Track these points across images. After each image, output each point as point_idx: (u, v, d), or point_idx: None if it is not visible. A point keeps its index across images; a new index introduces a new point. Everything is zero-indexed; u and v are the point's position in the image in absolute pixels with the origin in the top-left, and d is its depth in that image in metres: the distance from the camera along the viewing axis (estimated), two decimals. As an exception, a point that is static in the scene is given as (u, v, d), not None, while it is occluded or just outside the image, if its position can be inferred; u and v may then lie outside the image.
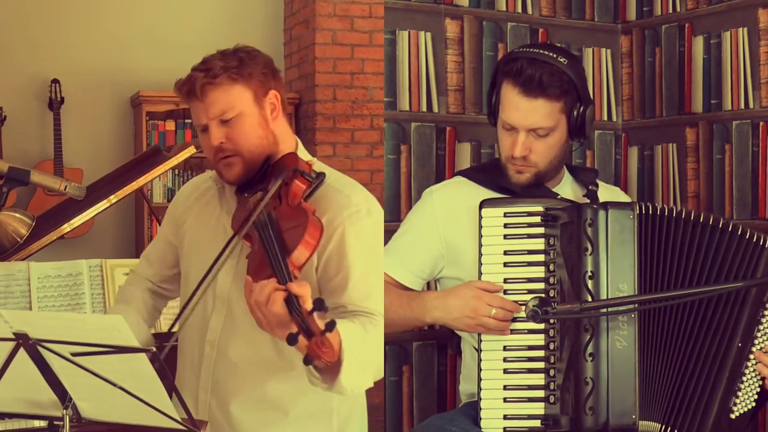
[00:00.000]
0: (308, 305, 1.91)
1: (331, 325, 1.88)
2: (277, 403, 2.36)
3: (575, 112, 2.73)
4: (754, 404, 2.61)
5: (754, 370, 2.58)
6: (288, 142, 2.35)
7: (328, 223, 2.19)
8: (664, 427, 2.61)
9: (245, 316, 2.19)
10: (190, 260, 2.44)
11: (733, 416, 2.60)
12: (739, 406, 2.60)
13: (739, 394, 2.60)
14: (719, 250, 2.61)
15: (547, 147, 2.75)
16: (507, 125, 2.75)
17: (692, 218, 2.63)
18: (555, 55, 2.72)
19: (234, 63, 2.25)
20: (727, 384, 2.59)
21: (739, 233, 2.62)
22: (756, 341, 2.59)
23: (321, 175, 2.24)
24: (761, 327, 2.60)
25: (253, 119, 2.25)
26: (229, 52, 2.31)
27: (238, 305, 2.28)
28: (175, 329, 2.31)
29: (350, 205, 2.24)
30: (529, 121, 2.71)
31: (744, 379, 2.60)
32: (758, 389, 2.60)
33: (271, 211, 2.11)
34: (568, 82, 2.71)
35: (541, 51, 2.75)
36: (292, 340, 1.88)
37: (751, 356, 2.59)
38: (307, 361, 1.91)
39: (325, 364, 1.98)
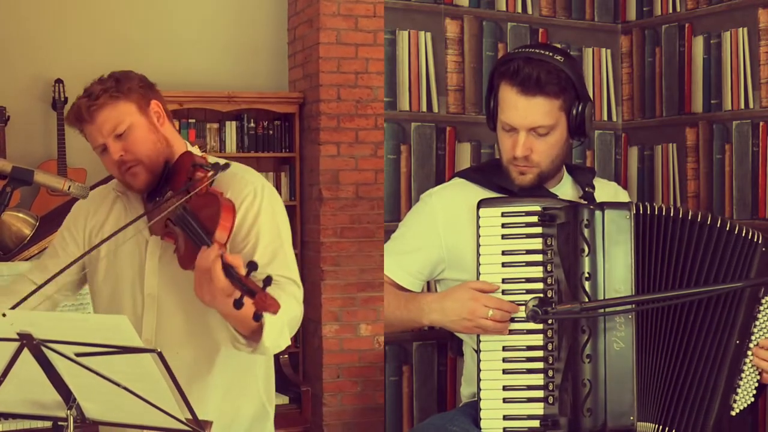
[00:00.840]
0: (243, 271, 2.06)
1: (268, 280, 2.02)
2: (214, 389, 2.45)
3: (574, 110, 2.73)
4: (753, 399, 2.62)
5: (752, 366, 2.59)
6: (178, 144, 2.50)
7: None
8: (660, 427, 2.61)
9: (178, 312, 2.39)
10: (114, 273, 2.52)
11: (733, 413, 2.62)
12: (739, 403, 2.61)
13: (739, 390, 2.61)
14: (716, 248, 2.61)
15: (548, 146, 2.74)
16: (507, 126, 2.74)
17: (689, 217, 2.63)
18: (551, 54, 2.71)
19: (111, 83, 2.41)
20: (726, 382, 2.60)
21: (735, 231, 2.62)
22: (753, 337, 2.60)
23: (216, 165, 2.38)
24: (757, 323, 2.61)
25: (143, 128, 2.40)
26: (105, 77, 2.46)
27: (169, 301, 2.42)
28: None
29: (247, 184, 2.41)
30: (528, 120, 2.70)
31: (743, 375, 2.61)
32: (756, 384, 2.62)
33: (185, 205, 2.27)
34: (566, 80, 2.70)
35: (537, 50, 2.74)
36: (237, 304, 2.01)
37: (749, 352, 2.59)
38: (256, 317, 2.04)
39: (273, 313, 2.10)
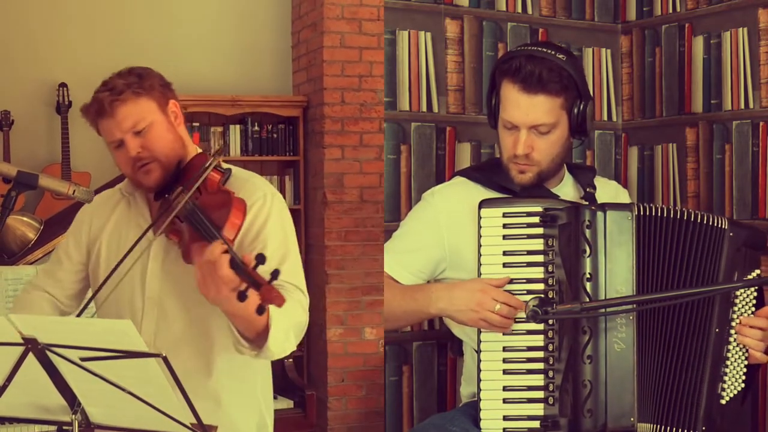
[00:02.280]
0: (251, 263, 2.05)
1: (275, 273, 2.01)
2: (213, 394, 2.44)
3: (576, 109, 2.72)
4: (743, 385, 2.61)
5: (737, 351, 2.58)
6: (192, 147, 2.51)
7: None
8: (657, 426, 2.61)
9: (179, 316, 2.38)
10: (117, 275, 2.48)
11: (723, 401, 2.61)
12: (728, 391, 2.60)
13: (726, 378, 2.60)
14: (701, 243, 2.61)
15: (549, 144, 2.73)
16: (508, 124, 2.74)
17: (678, 216, 2.63)
18: (553, 52, 2.71)
19: (134, 79, 2.40)
20: (711, 372, 2.59)
21: (717, 225, 2.62)
22: (732, 323, 2.59)
23: (229, 169, 2.41)
24: (735, 309, 2.60)
25: (162, 126, 2.40)
26: (126, 71, 2.45)
27: (170, 305, 2.41)
28: None
29: (256, 189, 2.41)
30: (530, 118, 2.69)
31: (728, 362, 2.60)
32: (744, 369, 2.61)
33: (195, 200, 2.27)
34: (568, 78, 2.70)
35: (539, 48, 2.74)
36: (242, 296, 2.01)
37: (731, 339, 2.59)
38: (260, 310, 2.02)
39: (277, 305, 2.10)
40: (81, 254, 2.57)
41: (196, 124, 5.18)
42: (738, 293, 2.59)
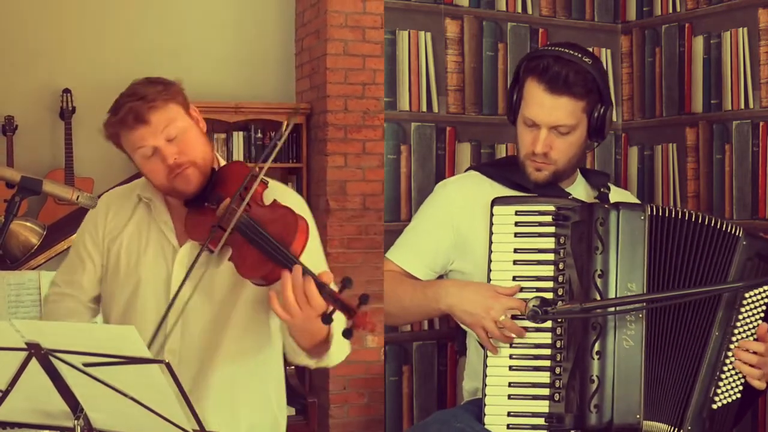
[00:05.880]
0: (335, 287, 2.02)
1: (365, 298, 1.98)
2: (232, 396, 2.43)
3: (596, 113, 2.74)
4: (739, 395, 2.60)
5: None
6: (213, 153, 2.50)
7: None
8: (670, 427, 2.60)
9: (204, 320, 2.35)
10: (133, 280, 2.48)
11: (715, 406, 2.60)
12: (722, 396, 2.59)
13: (721, 384, 2.59)
14: (712, 247, 2.61)
15: (567, 145, 2.74)
16: (529, 121, 2.74)
17: (692, 218, 2.63)
18: (580, 55, 2.72)
19: (160, 87, 2.38)
20: (706, 373, 2.57)
21: (732, 232, 2.62)
22: (735, 331, 2.59)
23: (268, 180, 2.38)
24: (740, 317, 2.59)
25: (193, 130, 2.38)
26: (148, 79, 2.43)
27: (196, 311, 2.38)
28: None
29: (291, 195, 2.41)
30: (552, 118, 2.70)
31: (725, 369, 2.59)
32: (742, 379, 2.59)
33: (248, 213, 2.22)
34: (592, 82, 2.71)
35: (567, 50, 2.75)
36: (327, 319, 1.99)
37: (732, 345, 2.58)
38: (348, 334, 2.00)
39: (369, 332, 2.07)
40: (101, 255, 2.52)
41: (200, 129, 5.19)
42: (745, 302, 2.59)
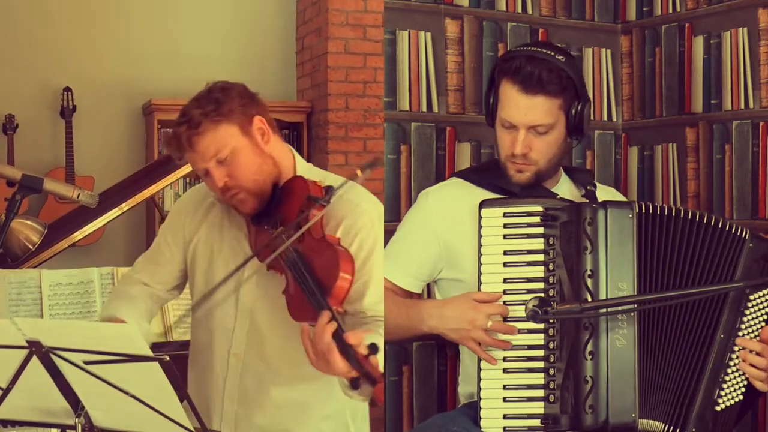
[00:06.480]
0: (363, 351, 1.98)
1: (374, 348, 1.97)
2: (300, 407, 2.45)
3: (573, 110, 2.74)
4: (741, 397, 2.60)
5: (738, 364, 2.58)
6: (286, 159, 2.43)
7: (345, 233, 2.30)
8: (665, 426, 2.60)
9: (270, 327, 2.36)
10: (208, 276, 2.49)
11: (718, 408, 2.60)
12: (725, 399, 2.59)
13: (725, 386, 2.59)
14: (703, 244, 2.61)
15: (547, 144, 2.75)
16: (506, 123, 2.75)
17: (690, 217, 2.63)
18: (552, 53, 2.73)
19: (211, 106, 2.32)
20: (710, 376, 2.58)
21: (719, 226, 2.62)
22: (740, 333, 2.59)
23: (330, 190, 2.29)
24: (745, 319, 2.59)
25: (247, 151, 2.32)
26: (203, 95, 2.37)
27: (261, 316, 2.39)
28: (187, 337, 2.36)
29: (363, 214, 2.34)
30: (529, 119, 2.71)
31: (729, 371, 2.59)
32: (744, 382, 2.60)
33: (297, 247, 2.17)
34: (567, 79, 2.71)
35: (539, 49, 2.76)
36: (354, 384, 1.97)
37: (736, 348, 2.58)
38: (355, 384, 1.99)
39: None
40: (180, 250, 2.54)
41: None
42: (750, 304, 2.59)
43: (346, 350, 1.98)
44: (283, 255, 2.17)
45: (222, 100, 2.33)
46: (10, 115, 5.11)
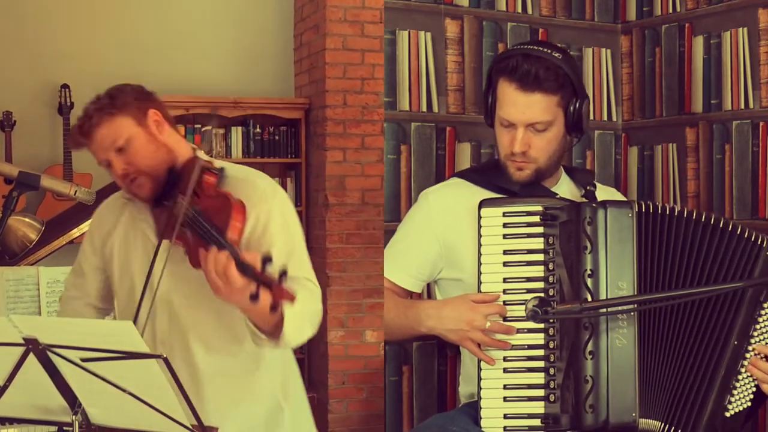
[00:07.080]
0: (258, 266, 2.10)
1: (284, 273, 2.06)
2: (236, 382, 2.48)
3: (572, 107, 2.73)
4: (749, 404, 2.60)
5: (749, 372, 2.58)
6: (184, 149, 2.53)
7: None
8: (665, 425, 2.60)
9: (189, 312, 2.42)
10: (128, 277, 2.56)
11: (728, 414, 2.60)
12: (734, 405, 2.59)
13: (735, 392, 2.59)
14: (718, 248, 2.60)
15: (546, 142, 2.74)
16: (505, 122, 2.74)
17: (691, 217, 2.63)
18: (549, 51, 2.72)
19: (105, 101, 2.44)
20: (722, 382, 2.57)
21: (737, 232, 2.61)
22: (752, 340, 2.58)
23: (221, 169, 2.43)
24: (758, 326, 2.59)
25: (141, 139, 2.43)
26: (101, 94, 2.49)
27: (180, 303, 2.45)
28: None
29: (256, 189, 2.45)
30: (527, 116, 2.70)
31: (740, 377, 2.58)
32: (753, 389, 2.60)
33: (194, 206, 2.31)
34: (564, 76, 2.70)
35: (535, 47, 2.75)
36: (254, 298, 2.07)
37: (747, 355, 2.58)
38: (273, 308, 2.09)
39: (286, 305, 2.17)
40: (97, 258, 2.61)
41: (198, 125, 5.19)
42: (764, 311, 2.58)
43: (242, 267, 2.11)
44: (184, 220, 2.29)
45: (116, 96, 2.45)
46: (8, 112, 5.09)
